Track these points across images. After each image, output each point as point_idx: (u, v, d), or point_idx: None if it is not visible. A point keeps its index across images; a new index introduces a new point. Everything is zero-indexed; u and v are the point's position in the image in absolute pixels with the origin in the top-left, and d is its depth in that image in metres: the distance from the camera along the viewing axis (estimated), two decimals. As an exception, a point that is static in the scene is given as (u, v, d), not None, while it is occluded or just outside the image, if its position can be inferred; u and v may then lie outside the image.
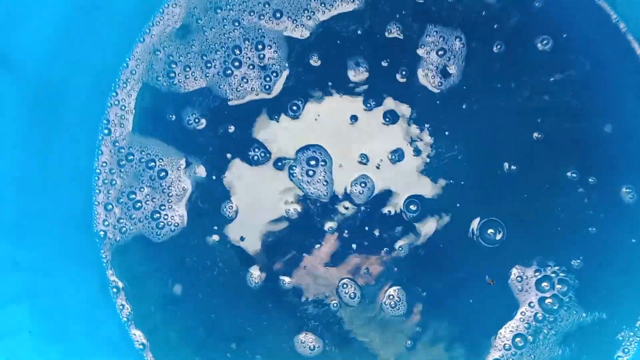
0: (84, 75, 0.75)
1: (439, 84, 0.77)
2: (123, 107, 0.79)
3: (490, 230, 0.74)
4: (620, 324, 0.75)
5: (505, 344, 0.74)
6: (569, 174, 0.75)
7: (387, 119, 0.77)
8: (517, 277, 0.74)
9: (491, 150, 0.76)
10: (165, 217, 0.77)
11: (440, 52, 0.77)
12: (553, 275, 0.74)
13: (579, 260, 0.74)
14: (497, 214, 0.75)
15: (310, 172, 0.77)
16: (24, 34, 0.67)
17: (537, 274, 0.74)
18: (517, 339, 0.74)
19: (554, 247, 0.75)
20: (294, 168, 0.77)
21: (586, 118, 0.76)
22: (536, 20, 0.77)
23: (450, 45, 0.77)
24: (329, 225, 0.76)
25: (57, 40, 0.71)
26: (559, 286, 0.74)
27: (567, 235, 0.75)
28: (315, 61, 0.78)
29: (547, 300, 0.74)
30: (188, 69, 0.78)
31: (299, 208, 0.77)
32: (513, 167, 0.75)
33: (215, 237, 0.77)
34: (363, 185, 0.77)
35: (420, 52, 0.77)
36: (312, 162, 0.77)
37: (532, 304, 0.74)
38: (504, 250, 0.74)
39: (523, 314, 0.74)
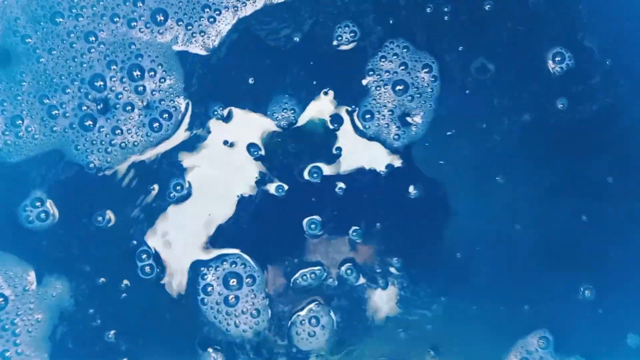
0: None
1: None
2: None
3: None
4: None
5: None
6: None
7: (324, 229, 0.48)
8: None
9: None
10: (12, 367, 0.48)
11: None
12: None
13: None
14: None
15: (232, 299, 0.47)
16: None
17: None
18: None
19: None
20: (206, 292, 0.47)
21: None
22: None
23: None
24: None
25: None
26: None
27: None
28: (221, 110, 0.48)
29: None
30: (19, 123, 0.47)
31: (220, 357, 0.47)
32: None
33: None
34: (314, 322, 0.47)
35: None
36: (233, 282, 0.47)
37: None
38: None
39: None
